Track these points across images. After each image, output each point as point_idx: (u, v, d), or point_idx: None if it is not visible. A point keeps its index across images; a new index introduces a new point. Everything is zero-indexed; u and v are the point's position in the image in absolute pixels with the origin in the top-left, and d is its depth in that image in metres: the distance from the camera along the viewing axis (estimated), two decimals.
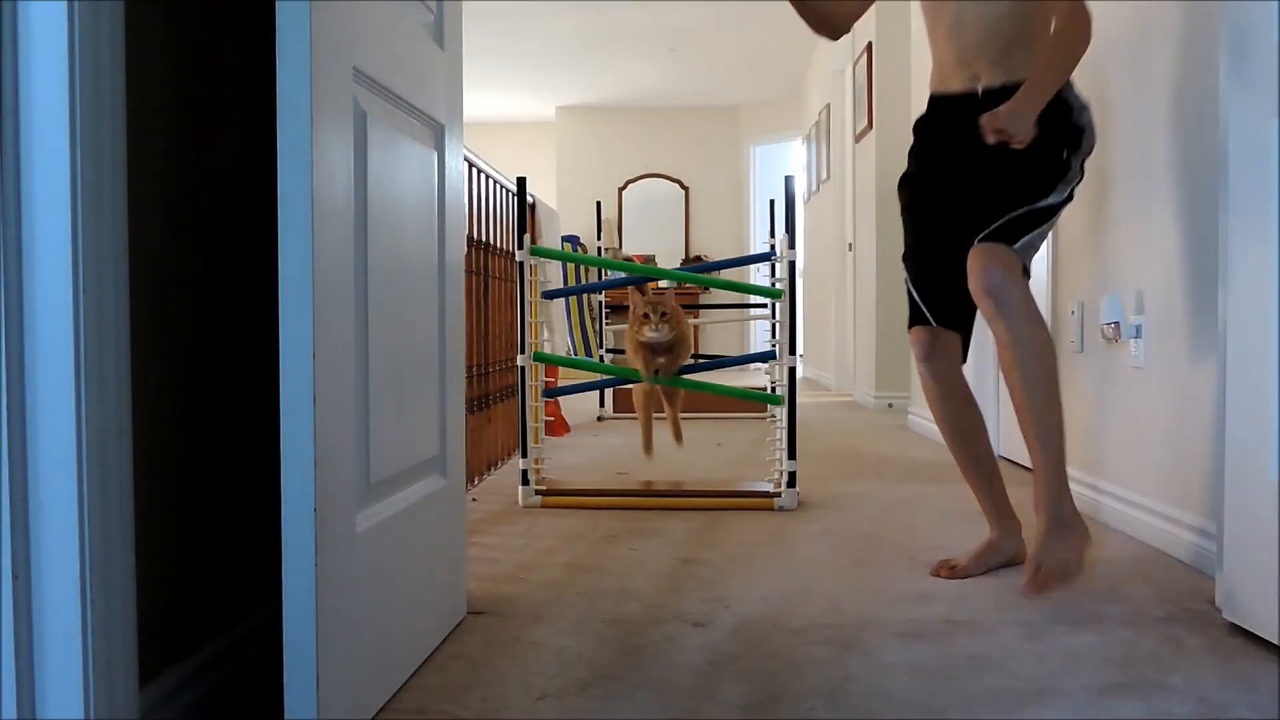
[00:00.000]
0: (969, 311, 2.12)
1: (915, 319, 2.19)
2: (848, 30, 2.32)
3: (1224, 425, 1.76)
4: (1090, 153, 2.08)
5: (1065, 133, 2.02)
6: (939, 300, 2.15)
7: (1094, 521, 2.64)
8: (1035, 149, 1.93)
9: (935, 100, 2.18)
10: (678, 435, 3.06)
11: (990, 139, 1.89)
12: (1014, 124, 1.86)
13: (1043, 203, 2.00)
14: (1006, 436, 3.73)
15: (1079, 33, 1.96)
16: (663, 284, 9.12)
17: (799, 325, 4.88)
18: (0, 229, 1.04)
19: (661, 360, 2.84)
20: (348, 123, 1.30)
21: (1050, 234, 2.62)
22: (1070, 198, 2.06)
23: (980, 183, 2.05)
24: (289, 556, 1.19)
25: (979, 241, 1.98)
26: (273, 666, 1.35)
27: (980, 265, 1.95)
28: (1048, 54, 1.97)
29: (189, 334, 1.39)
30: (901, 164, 2.26)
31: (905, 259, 2.22)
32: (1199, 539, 2.12)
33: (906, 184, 2.24)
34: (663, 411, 3.03)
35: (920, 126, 2.23)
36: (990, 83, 2.05)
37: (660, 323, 2.76)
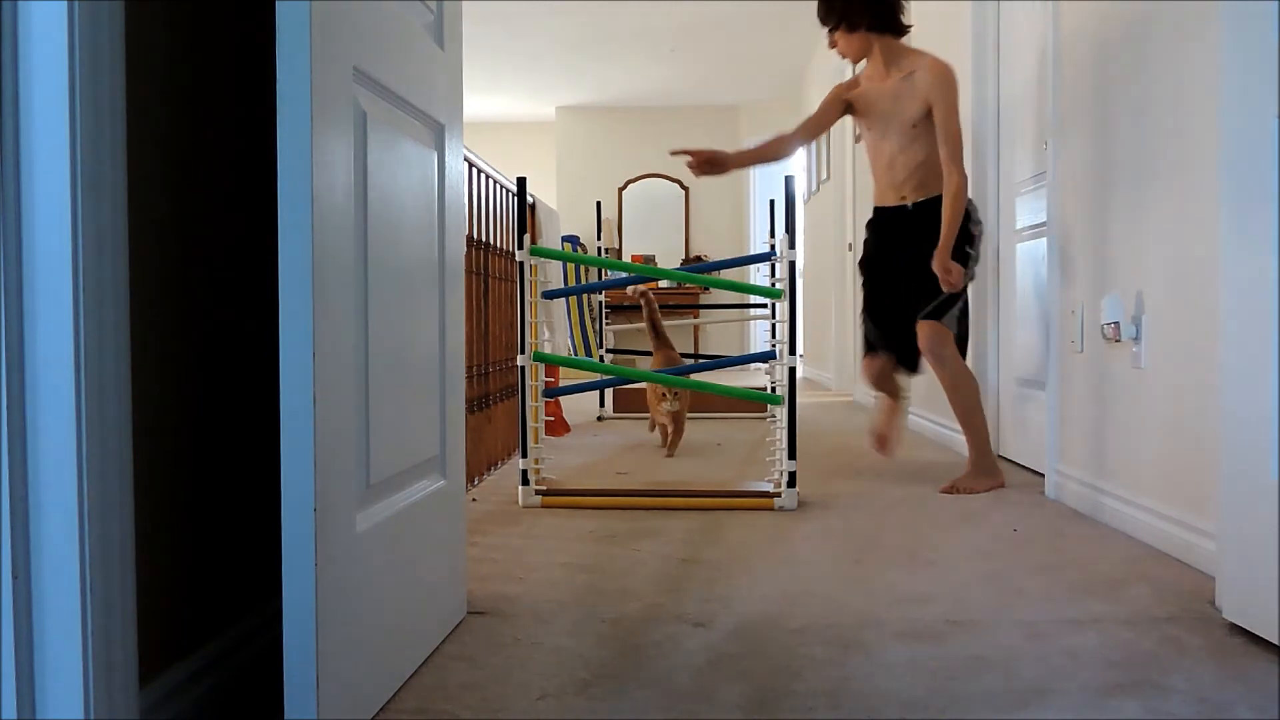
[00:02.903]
0: (903, 333, 3.20)
1: (869, 350, 3.31)
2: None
3: (1224, 425, 1.76)
4: (981, 236, 3.18)
5: (963, 237, 3.07)
6: (883, 336, 3.27)
7: (1091, 520, 2.64)
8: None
9: (878, 210, 3.31)
10: (671, 449, 3.98)
11: (944, 287, 3.03)
12: (951, 276, 3.00)
13: (950, 295, 3.08)
14: (1006, 439, 3.74)
15: (955, 197, 3.02)
16: (662, 284, 9.14)
17: (799, 325, 4.89)
18: (0, 229, 1.04)
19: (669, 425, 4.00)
20: (348, 123, 1.30)
21: (1050, 236, 2.87)
22: (974, 276, 3.19)
23: (915, 268, 3.09)
24: (289, 556, 1.19)
25: (920, 318, 3.11)
26: (273, 666, 1.35)
27: (924, 334, 3.11)
28: (946, 216, 3.02)
29: (189, 334, 1.39)
30: None
31: (864, 312, 3.33)
32: (1199, 539, 2.12)
33: (865, 265, 3.38)
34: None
35: (871, 225, 3.34)
36: (916, 199, 3.17)
37: (674, 398, 3.85)
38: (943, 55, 3.11)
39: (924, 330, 3.08)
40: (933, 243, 3.02)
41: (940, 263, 2.99)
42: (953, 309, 3.09)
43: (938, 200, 3.06)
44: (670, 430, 3.97)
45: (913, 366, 3.27)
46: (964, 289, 3.09)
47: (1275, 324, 1.60)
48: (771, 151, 3.23)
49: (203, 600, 1.42)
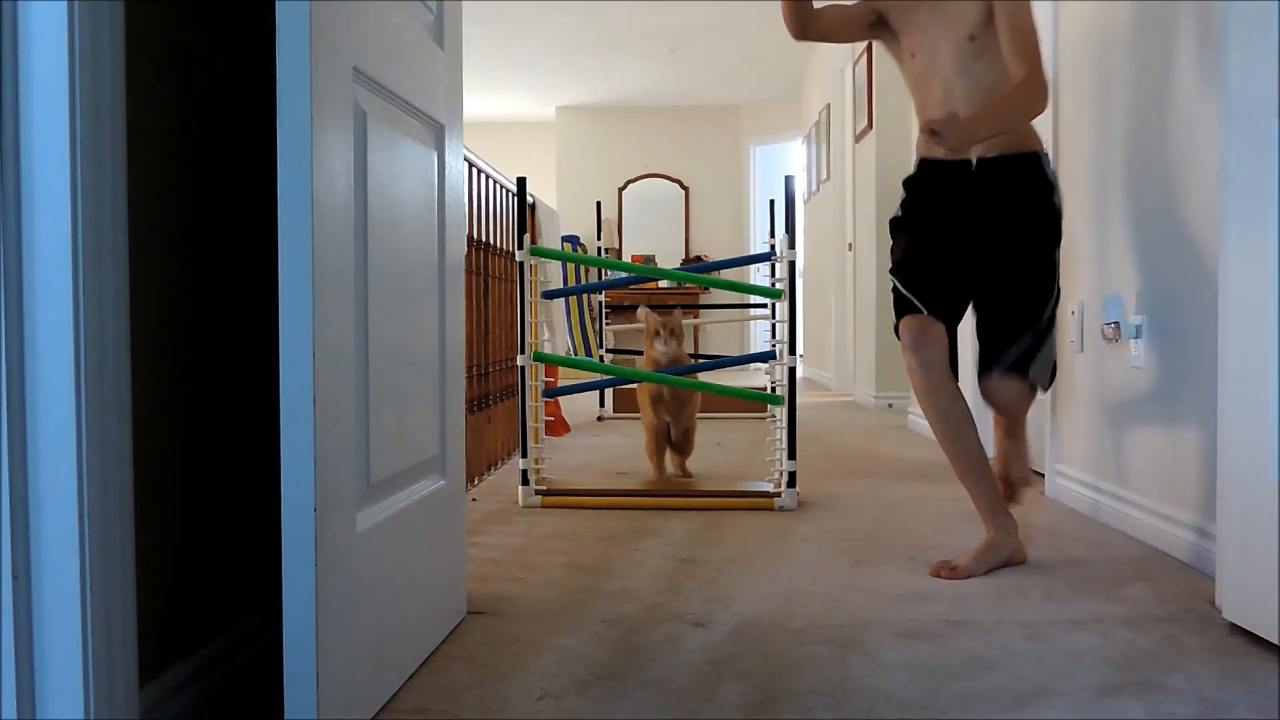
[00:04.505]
0: (958, 308, 2.26)
1: (904, 310, 2.25)
2: (811, 40, 2.46)
3: (1224, 425, 1.76)
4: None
5: (1051, 225, 2.23)
6: (930, 295, 2.23)
7: (1091, 520, 2.64)
8: (1032, 253, 2.21)
9: (925, 164, 2.30)
10: (683, 471, 3.29)
11: (923, 130, 2.05)
12: (945, 127, 2.01)
13: (1043, 319, 2.21)
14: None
15: (1027, 97, 2.12)
16: (662, 284, 9.15)
17: (799, 325, 4.87)
18: (0, 229, 1.04)
19: (668, 419, 3.19)
20: (348, 123, 1.30)
21: None
22: (1059, 293, 2.25)
23: (983, 256, 2.22)
24: (289, 556, 1.19)
25: (1005, 369, 2.22)
26: (273, 666, 1.35)
27: (1003, 394, 2.25)
28: (1004, 98, 2.13)
29: (189, 334, 1.39)
30: (901, 164, 2.33)
31: (895, 270, 2.31)
32: (1199, 539, 2.12)
33: (898, 226, 2.35)
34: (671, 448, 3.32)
35: (910, 183, 2.35)
36: (985, 153, 2.20)
37: (669, 338, 3.12)
38: None
39: (1009, 387, 2.23)
40: (1015, 214, 2.19)
41: (958, 121, 2.04)
42: (1043, 351, 2.23)
43: (1020, 158, 2.20)
44: (673, 435, 3.21)
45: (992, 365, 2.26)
46: (1051, 320, 2.23)
47: (1275, 324, 1.60)
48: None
49: (203, 600, 1.42)
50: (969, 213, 2.21)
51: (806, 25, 2.39)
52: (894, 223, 2.37)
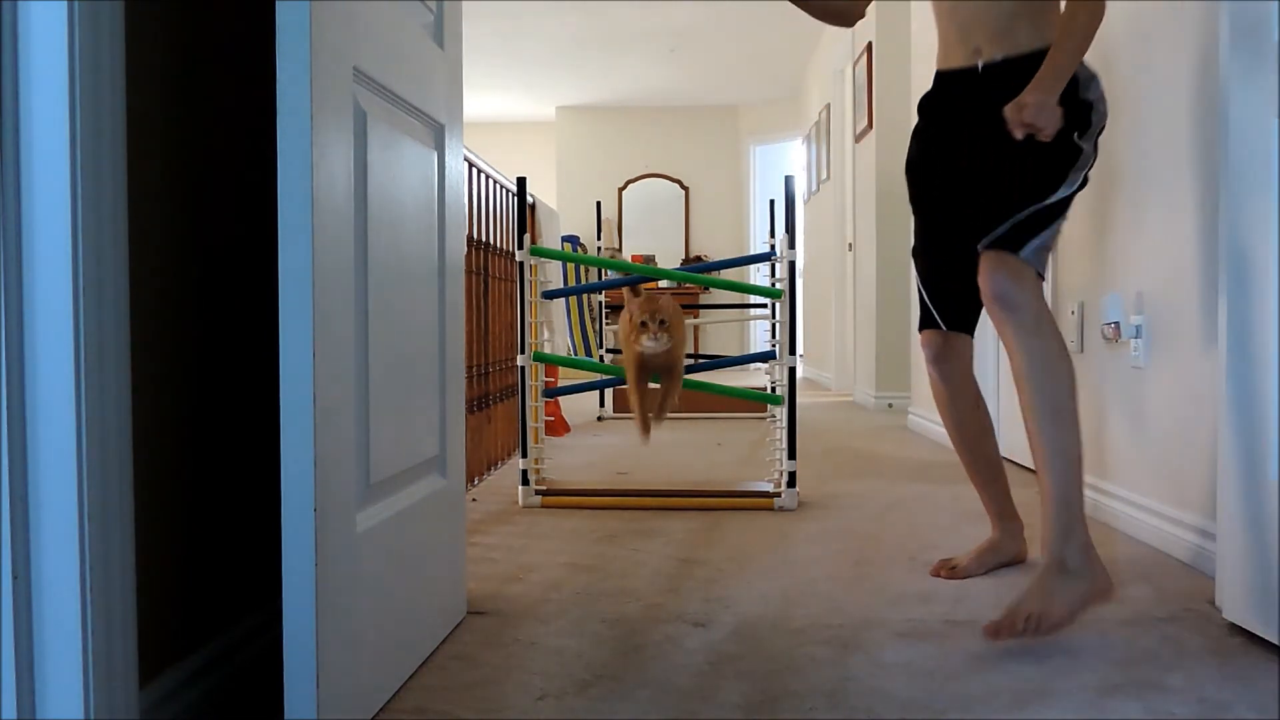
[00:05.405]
0: (979, 311, 2.10)
1: (926, 322, 2.15)
2: (862, 16, 2.30)
3: (1224, 425, 1.76)
4: (1103, 128, 1.97)
5: (1073, 112, 1.87)
6: (948, 301, 2.11)
7: (1091, 520, 2.64)
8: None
9: (939, 77, 2.10)
10: (660, 412, 2.65)
11: (1018, 134, 1.77)
12: (1041, 117, 1.73)
13: (1052, 198, 1.88)
14: (1008, 436, 3.73)
15: (1090, 11, 1.87)
16: (662, 284, 9.14)
17: (799, 325, 4.87)
18: (0, 229, 1.04)
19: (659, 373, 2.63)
20: (348, 123, 1.30)
21: None
22: (1085, 182, 1.93)
23: (986, 167, 1.97)
24: (289, 556, 1.19)
25: (985, 248, 1.88)
26: (273, 666, 1.35)
27: (989, 272, 1.86)
28: (1061, 35, 1.87)
29: (189, 334, 1.39)
30: (901, 164, 2.24)
31: (915, 254, 2.18)
32: (1199, 539, 2.12)
33: (912, 170, 2.17)
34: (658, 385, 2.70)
35: (924, 104, 2.14)
36: (990, 57, 1.97)
37: (659, 331, 2.51)
38: None
39: (988, 265, 1.86)
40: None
41: (1035, 100, 1.74)
42: (1039, 235, 1.86)
43: (1028, 58, 1.89)
44: (661, 390, 2.63)
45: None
46: (1061, 201, 1.89)
47: (1276, 323, 1.61)
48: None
49: (203, 600, 1.42)
50: (976, 123, 1.96)
51: (851, 12, 2.25)
52: (909, 166, 2.17)
